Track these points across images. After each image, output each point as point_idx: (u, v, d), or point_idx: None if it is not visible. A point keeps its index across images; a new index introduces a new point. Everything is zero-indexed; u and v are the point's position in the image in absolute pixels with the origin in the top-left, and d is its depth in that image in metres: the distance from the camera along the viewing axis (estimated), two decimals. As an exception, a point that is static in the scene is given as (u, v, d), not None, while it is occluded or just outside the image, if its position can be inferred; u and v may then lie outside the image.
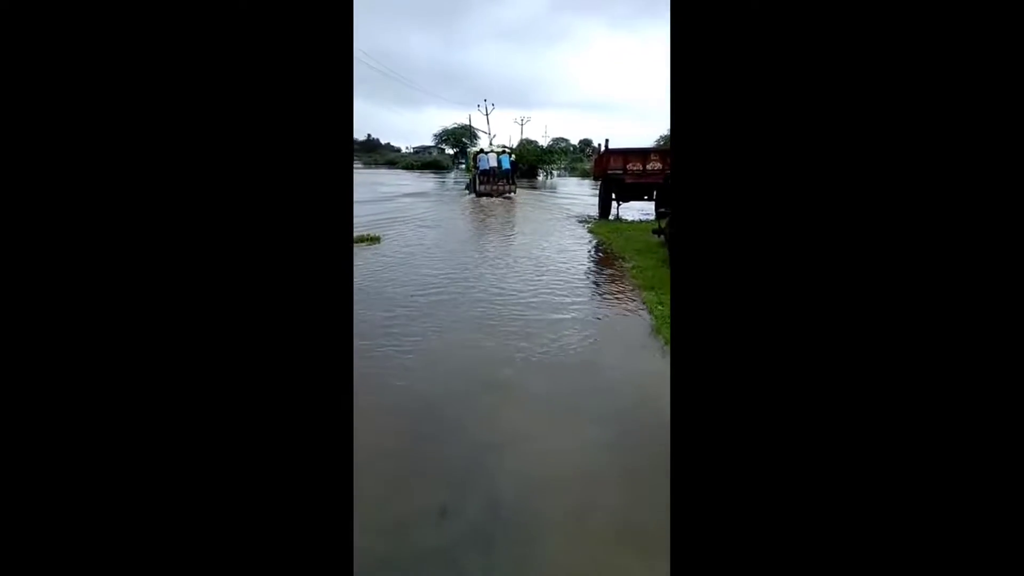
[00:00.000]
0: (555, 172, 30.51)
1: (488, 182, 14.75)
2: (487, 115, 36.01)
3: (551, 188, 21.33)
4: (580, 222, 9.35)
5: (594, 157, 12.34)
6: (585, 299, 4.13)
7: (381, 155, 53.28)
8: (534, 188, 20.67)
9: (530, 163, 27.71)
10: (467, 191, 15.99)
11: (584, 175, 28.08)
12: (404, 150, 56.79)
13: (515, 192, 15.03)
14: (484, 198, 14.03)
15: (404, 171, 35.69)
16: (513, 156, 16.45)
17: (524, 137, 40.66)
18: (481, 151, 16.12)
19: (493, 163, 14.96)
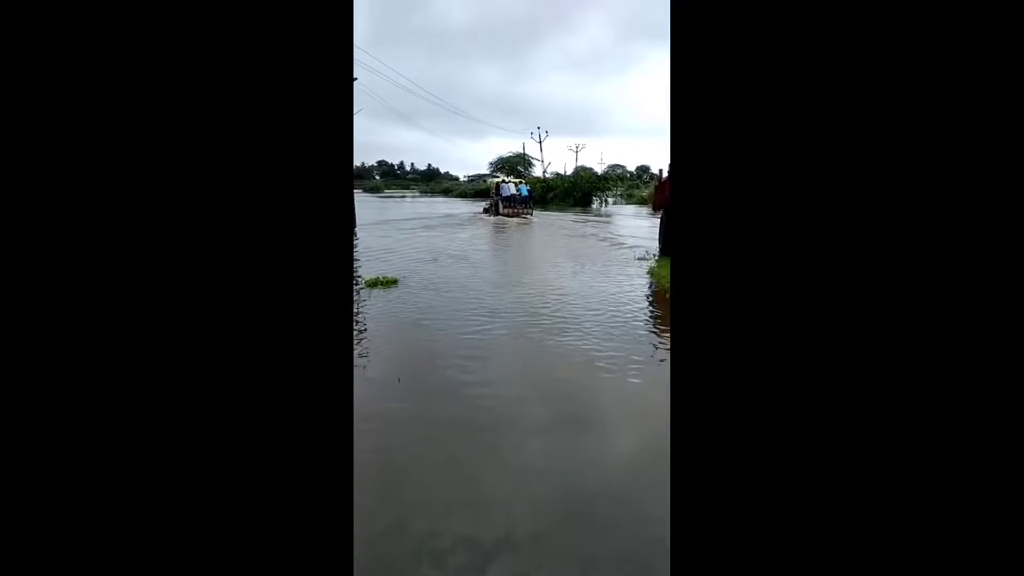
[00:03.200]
0: (610, 199, 29.00)
1: (510, 206, 17.16)
2: (540, 143, 35.73)
3: (605, 216, 19.97)
4: (638, 259, 8.01)
5: (653, 184, 11.10)
6: (631, 408, 2.85)
7: (438, 183, 55.59)
8: (586, 215, 19.44)
9: (584, 191, 26.56)
10: (485, 214, 18.21)
11: (641, 202, 26.47)
12: (461, 179, 57.95)
13: (532, 214, 17.39)
14: (511, 219, 16.11)
15: (458, 198, 35.67)
16: (529, 185, 20.01)
17: (579, 164, 39.89)
18: (503, 181, 18.94)
19: (513, 191, 17.64)
